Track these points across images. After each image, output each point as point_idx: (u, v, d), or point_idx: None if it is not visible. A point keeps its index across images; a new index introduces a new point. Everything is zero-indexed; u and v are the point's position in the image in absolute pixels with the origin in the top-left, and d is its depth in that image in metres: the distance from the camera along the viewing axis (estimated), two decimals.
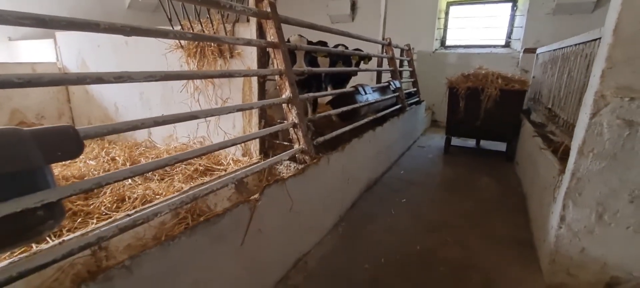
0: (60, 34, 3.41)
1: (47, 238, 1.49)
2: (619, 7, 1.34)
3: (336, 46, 3.15)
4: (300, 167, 1.96)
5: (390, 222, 2.44)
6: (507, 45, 5.87)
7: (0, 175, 0.76)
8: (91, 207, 1.86)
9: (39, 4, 4.31)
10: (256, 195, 1.55)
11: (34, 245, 1.45)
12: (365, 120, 2.98)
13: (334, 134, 2.36)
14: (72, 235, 1.30)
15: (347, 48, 3.15)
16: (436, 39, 6.32)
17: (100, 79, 1.09)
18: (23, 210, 0.84)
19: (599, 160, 1.51)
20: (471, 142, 4.73)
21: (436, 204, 2.78)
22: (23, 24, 0.92)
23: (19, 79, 0.92)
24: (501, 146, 4.18)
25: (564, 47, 2.72)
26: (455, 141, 4.49)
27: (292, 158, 2.04)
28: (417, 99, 5.00)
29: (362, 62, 3.51)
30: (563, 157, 1.90)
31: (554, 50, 3.16)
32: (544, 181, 2.11)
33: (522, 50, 5.02)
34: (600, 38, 1.61)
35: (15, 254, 1.33)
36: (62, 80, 1.03)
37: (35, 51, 3.82)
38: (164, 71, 1.33)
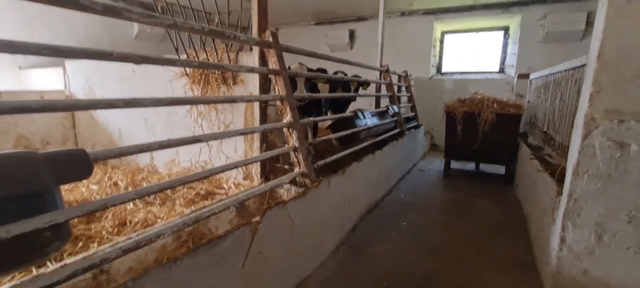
0: (70, 63, 3.54)
1: (48, 263, 1.49)
2: (601, 35, 1.42)
3: (335, 73, 3.27)
4: (300, 190, 1.98)
5: (392, 246, 2.42)
6: (502, 71, 6.04)
7: (15, 196, 0.80)
8: (92, 231, 1.87)
9: (49, 35, 4.51)
10: (257, 218, 1.56)
11: (33, 269, 1.45)
12: (365, 144, 3.03)
13: (334, 157, 2.40)
14: (74, 258, 1.30)
15: (346, 75, 3.26)
16: (432, 66, 6.52)
17: (111, 105, 1.14)
18: (31, 230, 0.87)
19: (594, 181, 1.54)
20: (470, 166, 4.76)
21: (437, 227, 2.77)
22: (43, 53, 0.99)
23: (35, 105, 0.97)
24: (500, 169, 4.20)
25: (555, 73, 2.82)
26: (455, 164, 4.51)
27: (293, 182, 2.07)
28: (416, 123, 5.08)
29: (361, 88, 3.62)
30: (560, 179, 1.92)
31: (546, 75, 3.27)
32: (543, 203, 2.13)
33: (516, 76, 5.17)
34: (586, 64, 1.70)
35: (15, 277, 1.33)
36: (75, 105, 1.08)
37: (44, 79, 3.95)
38: (171, 97, 1.40)
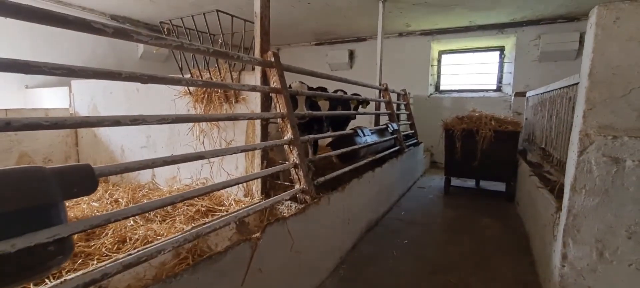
0: (76, 82, 3.62)
1: (46, 280, 1.48)
2: (591, 55, 1.48)
3: (336, 91, 3.33)
4: (301, 206, 1.99)
5: (392, 264, 2.40)
6: (499, 89, 6.14)
7: (24, 209, 0.82)
8: (92, 248, 1.86)
9: (55, 54, 4.63)
10: (257, 234, 1.57)
11: (31, 286, 1.44)
12: (365, 161, 3.05)
13: (334, 174, 2.42)
14: (74, 275, 1.30)
15: (345, 93, 3.33)
16: (431, 84, 6.63)
17: (118, 122, 1.18)
18: (36, 244, 0.88)
19: (592, 196, 1.55)
20: (471, 183, 4.76)
21: (438, 245, 2.75)
22: (55, 73, 1.03)
23: (46, 122, 1.01)
24: (501, 186, 4.20)
25: (550, 91, 2.88)
26: (455, 182, 4.51)
27: (293, 199, 2.08)
28: (415, 140, 5.12)
29: (360, 105, 3.68)
30: (560, 195, 1.93)
31: (541, 93, 3.33)
32: (544, 219, 2.12)
33: (513, 94, 5.26)
34: (578, 82, 1.74)
35: None
36: (84, 122, 1.12)
37: (50, 98, 4.02)
38: (175, 114, 1.44)
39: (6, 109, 3.40)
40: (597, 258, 1.58)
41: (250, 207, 1.68)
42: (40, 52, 4.45)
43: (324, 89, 3.08)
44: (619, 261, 1.54)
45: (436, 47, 6.57)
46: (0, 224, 0.83)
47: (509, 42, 5.91)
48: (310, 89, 2.82)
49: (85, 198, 2.66)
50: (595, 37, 1.47)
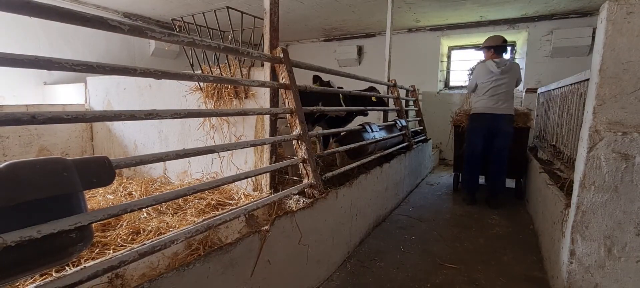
0: (91, 79, 3.73)
1: (66, 267, 1.56)
2: (601, 50, 1.46)
3: (366, 89, 3.41)
4: (309, 201, 2.03)
5: (400, 260, 2.42)
6: None
7: (49, 197, 0.87)
8: (108, 238, 1.94)
9: (70, 51, 4.76)
10: (266, 226, 1.61)
11: (53, 272, 1.52)
12: (373, 157, 3.07)
13: (342, 169, 2.45)
14: (92, 262, 1.37)
15: (373, 89, 3.37)
16: (440, 80, 6.57)
17: (133, 116, 1.23)
18: (59, 231, 0.94)
19: (601, 193, 1.54)
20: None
21: (446, 241, 2.75)
22: (76, 69, 1.08)
23: (68, 115, 1.06)
24: (510, 183, 4.16)
25: (561, 87, 2.84)
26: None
27: (301, 193, 2.11)
28: (424, 137, 5.10)
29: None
30: (569, 192, 1.92)
31: (552, 89, 3.28)
32: (553, 216, 2.11)
33: (524, 90, 5.17)
34: (589, 78, 1.73)
35: (36, 280, 1.40)
36: (102, 116, 1.17)
37: (66, 94, 4.15)
38: (187, 109, 1.49)
39: (26, 105, 3.53)
40: (605, 255, 1.57)
41: (259, 201, 1.73)
42: (58, 50, 4.59)
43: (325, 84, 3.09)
44: (627, 257, 1.53)
45: (446, 42, 6.50)
46: (27, 211, 0.88)
47: (520, 37, 5.80)
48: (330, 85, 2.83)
49: (100, 190, 2.76)
50: (605, 33, 1.45)
